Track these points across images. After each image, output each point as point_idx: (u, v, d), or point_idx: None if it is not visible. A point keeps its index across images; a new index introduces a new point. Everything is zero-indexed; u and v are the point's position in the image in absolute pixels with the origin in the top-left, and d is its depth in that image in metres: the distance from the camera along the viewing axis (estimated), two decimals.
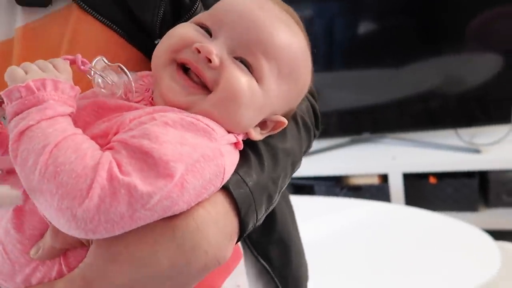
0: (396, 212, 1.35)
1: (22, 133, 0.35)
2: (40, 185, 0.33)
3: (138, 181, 0.33)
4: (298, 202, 1.55)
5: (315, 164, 1.85)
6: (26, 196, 0.37)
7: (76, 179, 0.32)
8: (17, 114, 0.35)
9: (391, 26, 1.78)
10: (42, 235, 0.38)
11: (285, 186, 0.49)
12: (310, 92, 0.58)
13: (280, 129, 0.46)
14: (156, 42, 0.47)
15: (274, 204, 0.47)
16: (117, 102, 0.40)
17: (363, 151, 1.85)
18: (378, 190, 1.77)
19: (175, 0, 0.48)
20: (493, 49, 1.69)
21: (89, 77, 0.41)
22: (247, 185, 0.41)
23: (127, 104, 0.40)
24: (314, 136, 0.59)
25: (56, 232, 0.36)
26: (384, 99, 1.83)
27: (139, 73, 0.45)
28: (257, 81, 0.41)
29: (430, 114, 1.81)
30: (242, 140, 0.43)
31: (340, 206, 1.45)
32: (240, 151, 0.42)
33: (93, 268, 0.36)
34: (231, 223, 0.40)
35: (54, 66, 0.38)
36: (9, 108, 0.36)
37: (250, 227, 0.42)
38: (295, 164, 0.51)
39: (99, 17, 0.47)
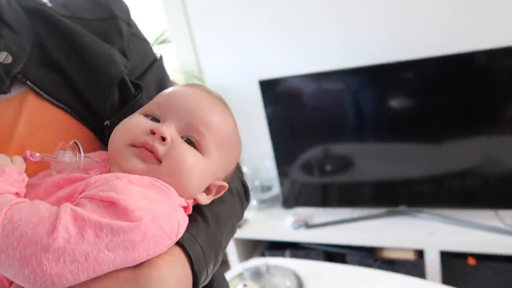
0: None
1: None
2: (1, 244, 0.34)
3: (104, 220, 0.37)
4: (331, 270, 1.53)
5: (349, 233, 1.83)
6: None
7: (35, 228, 0.35)
8: None
9: (428, 102, 1.82)
10: None
11: (226, 247, 0.54)
12: (238, 168, 0.65)
13: (222, 192, 0.53)
14: (105, 123, 0.54)
15: (219, 264, 0.52)
16: (79, 174, 0.46)
17: (399, 224, 1.82)
18: (413, 266, 1.71)
19: (123, 91, 0.56)
20: None
21: (43, 161, 0.47)
22: (198, 242, 0.46)
23: (87, 175, 0.46)
24: (246, 207, 0.65)
25: None
26: (420, 173, 1.83)
27: (92, 153, 0.52)
28: (201, 153, 0.48)
29: (469, 192, 1.78)
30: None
31: (374, 279, 1.42)
32: (189, 215, 0.48)
33: None
34: (188, 275, 0.44)
35: (11, 159, 0.44)
36: None
37: (201, 282, 0.46)
38: (234, 228, 0.57)
39: (54, 101, 0.53)
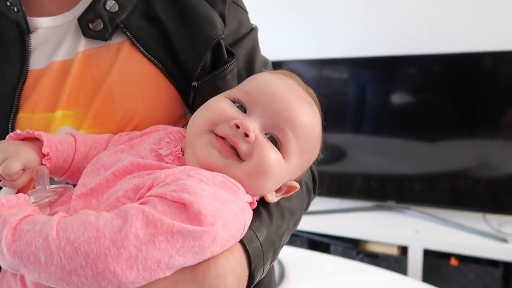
0: None
1: (10, 246, 0.35)
2: (67, 267, 0.34)
3: (176, 226, 0.36)
4: (315, 259, 1.52)
5: (335, 223, 1.82)
6: None
7: (97, 242, 0.34)
8: None
9: (427, 101, 1.81)
10: None
11: (286, 242, 0.53)
12: None
13: (292, 192, 0.51)
14: (192, 84, 0.54)
15: (276, 259, 0.50)
16: (149, 161, 0.44)
17: (386, 218, 1.82)
18: (395, 262, 1.72)
19: (216, 54, 0.55)
20: None
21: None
22: (258, 240, 0.45)
23: (157, 163, 0.44)
24: (312, 199, 0.64)
25: None
26: (412, 170, 1.83)
27: (164, 131, 0.50)
28: (283, 155, 0.46)
29: (459, 194, 1.78)
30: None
31: (357, 270, 1.41)
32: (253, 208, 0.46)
33: None
34: (244, 272, 0.43)
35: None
36: None
37: (257, 279, 0.45)
38: (296, 223, 0.56)
39: (147, 53, 0.54)
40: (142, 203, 0.38)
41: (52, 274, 0.34)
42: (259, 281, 0.59)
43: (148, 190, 0.39)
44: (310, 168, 0.63)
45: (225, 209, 0.39)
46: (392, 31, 1.87)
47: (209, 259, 0.39)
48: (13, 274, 0.42)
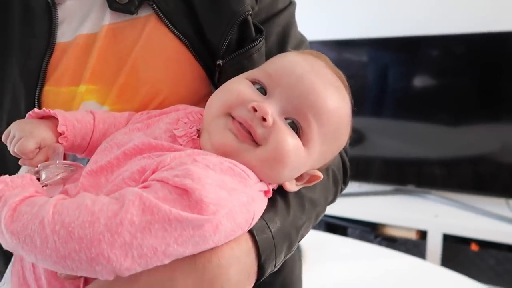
0: (435, 273, 1.29)
1: (8, 227, 0.35)
2: (62, 251, 0.33)
3: (173, 214, 0.34)
4: (333, 241, 1.52)
5: (353, 206, 1.81)
6: None
7: (91, 227, 0.33)
8: None
9: (450, 84, 1.77)
10: None
11: (306, 235, 0.50)
12: (344, 147, 0.59)
13: (315, 182, 0.48)
14: (217, 62, 0.51)
15: (293, 251, 0.48)
16: (160, 142, 0.43)
17: (405, 202, 1.81)
18: (414, 246, 1.71)
19: (243, 31, 0.52)
20: None
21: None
22: (270, 231, 0.43)
23: (168, 145, 0.42)
24: (341, 190, 0.60)
25: None
26: (433, 154, 1.80)
27: (183, 111, 0.48)
28: (303, 143, 0.43)
29: (480, 178, 1.75)
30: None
31: (374, 254, 1.41)
32: (270, 197, 0.44)
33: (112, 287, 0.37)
34: (251, 264, 0.41)
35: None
36: None
37: (268, 272, 0.43)
38: (319, 215, 0.53)
39: (173, 28, 0.52)
40: (144, 187, 0.36)
41: (48, 257, 0.34)
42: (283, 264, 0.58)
43: (153, 173, 0.38)
44: (342, 157, 0.59)
45: (230, 198, 0.37)
46: (414, 10, 1.81)
47: (212, 248, 0.37)
48: None
